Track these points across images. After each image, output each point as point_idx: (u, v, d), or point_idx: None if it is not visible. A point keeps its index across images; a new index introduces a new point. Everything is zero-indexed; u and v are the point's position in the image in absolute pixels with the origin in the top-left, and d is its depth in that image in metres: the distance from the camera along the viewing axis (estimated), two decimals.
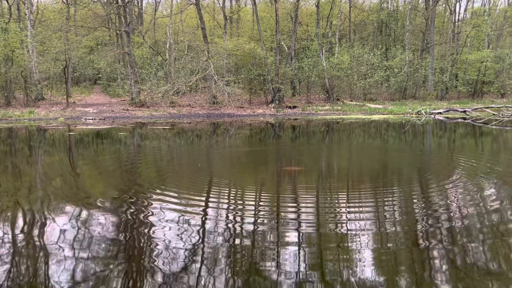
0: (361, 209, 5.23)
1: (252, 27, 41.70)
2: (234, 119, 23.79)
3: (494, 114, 24.03)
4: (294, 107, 29.20)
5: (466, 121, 21.24)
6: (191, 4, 31.43)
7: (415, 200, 5.64)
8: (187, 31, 37.40)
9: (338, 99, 32.16)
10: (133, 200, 5.67)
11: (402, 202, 5.54)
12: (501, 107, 25.76)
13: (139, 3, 42.71)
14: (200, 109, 28.02)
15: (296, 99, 33.10)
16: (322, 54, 32.41)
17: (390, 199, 5.74)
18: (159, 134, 16.05)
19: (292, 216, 4.94)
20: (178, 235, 4.28)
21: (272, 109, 28.23)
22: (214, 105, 28.56)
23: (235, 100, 27.35)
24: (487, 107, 25.90)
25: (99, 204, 5.49)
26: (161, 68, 32.26)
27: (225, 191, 6.37)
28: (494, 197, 5.75)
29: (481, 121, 20.84)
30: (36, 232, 4.41)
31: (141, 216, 4.93)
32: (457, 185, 6.49)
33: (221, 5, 39.41)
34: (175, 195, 5.91)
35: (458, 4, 40.21)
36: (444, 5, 42.32)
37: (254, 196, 6.08)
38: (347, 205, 5.46)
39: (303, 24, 42.10)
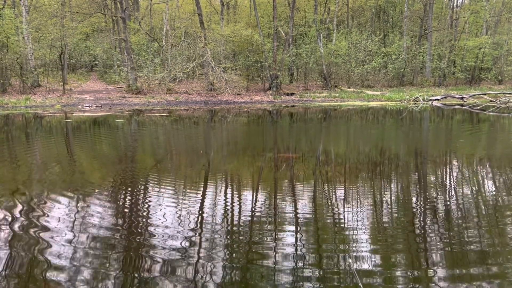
0: (358, 197, 5.27)
1: (250, 13, 41.33)
2: (231, 106, 23.73)
3: (491, 101, 24.05)
4: (292, 94, 29.12)
5: (463, 107, 21.26)
6: None
7: (412, 188, 5.69)
8: (183, 17, 37.13)
9: (335, 86, 32.08)
10: (131, 186, 5.69)
11: (400, 188, 5.58)
12: (499, 93, 25.77)
13: None
14: (197, 96, 27.91)
15: (294, 86, 33.01)
16: (320, 41, 32.22)
17: (388, 185, 5.79)
18: (157, 121, 16.01)
19: (289, 202, 4.98)
20: (175, 221, 4.31)
21: (270, 96, 28.15)
22: (211, 92, 28.44)
23: (232, 87, 27.22)
24: (485, 94, 25.90)
25: (96, 190, 5.51)
26: (158, 54, 31.98)
27: (223, 179, 6.41)
28: (489, 180, 5.80)
29: (478, 107, 20.86)
30: (34, 217, 4.42)
31: (139, 202, 4.96)
32: (453, 168, 6.54)
33: None
34: (174, 181, 5.94)
35: None
36: None
37: (251, 183, 6.13)
38: (345, 192, 5.51)
39: (301, 10, 41.73)
